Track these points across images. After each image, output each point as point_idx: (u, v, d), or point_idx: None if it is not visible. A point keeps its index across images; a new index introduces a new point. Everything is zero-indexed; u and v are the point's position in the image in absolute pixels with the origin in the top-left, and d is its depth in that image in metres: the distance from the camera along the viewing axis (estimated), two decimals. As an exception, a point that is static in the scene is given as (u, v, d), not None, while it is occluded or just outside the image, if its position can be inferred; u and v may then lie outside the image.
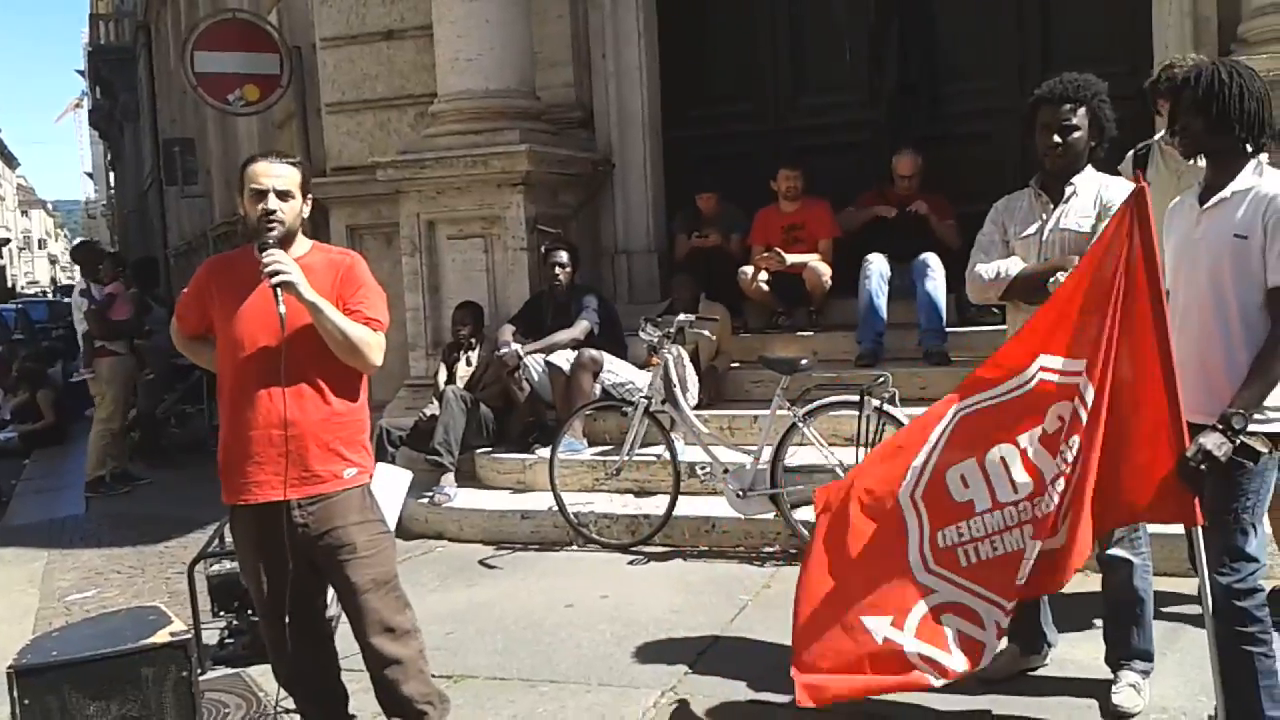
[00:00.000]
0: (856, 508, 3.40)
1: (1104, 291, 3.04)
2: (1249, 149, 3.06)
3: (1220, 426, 2.90)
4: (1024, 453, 3.17)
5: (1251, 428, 2.94)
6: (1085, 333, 3.09)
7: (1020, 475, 3.16)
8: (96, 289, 9.35)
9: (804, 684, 3.35)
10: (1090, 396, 3.02)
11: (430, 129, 7.78)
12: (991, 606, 3.16)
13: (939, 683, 3.21)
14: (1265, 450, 3.01)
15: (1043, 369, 3.17)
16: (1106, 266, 3.05)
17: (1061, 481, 3.06)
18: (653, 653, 4.43)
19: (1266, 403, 2.97)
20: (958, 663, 3.17)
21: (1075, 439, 3.04)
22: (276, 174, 3.22)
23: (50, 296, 42.35)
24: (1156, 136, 4.74)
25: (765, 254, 7.32)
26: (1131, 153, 3.53)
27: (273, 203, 3.19)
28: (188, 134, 17.35)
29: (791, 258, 7.25)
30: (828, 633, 3.33)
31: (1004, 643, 3.16)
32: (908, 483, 3.32)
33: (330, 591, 3.54)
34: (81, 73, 40.58)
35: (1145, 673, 3.65)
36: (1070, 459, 3.05)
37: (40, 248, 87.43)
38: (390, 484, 5.25)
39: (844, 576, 3.35)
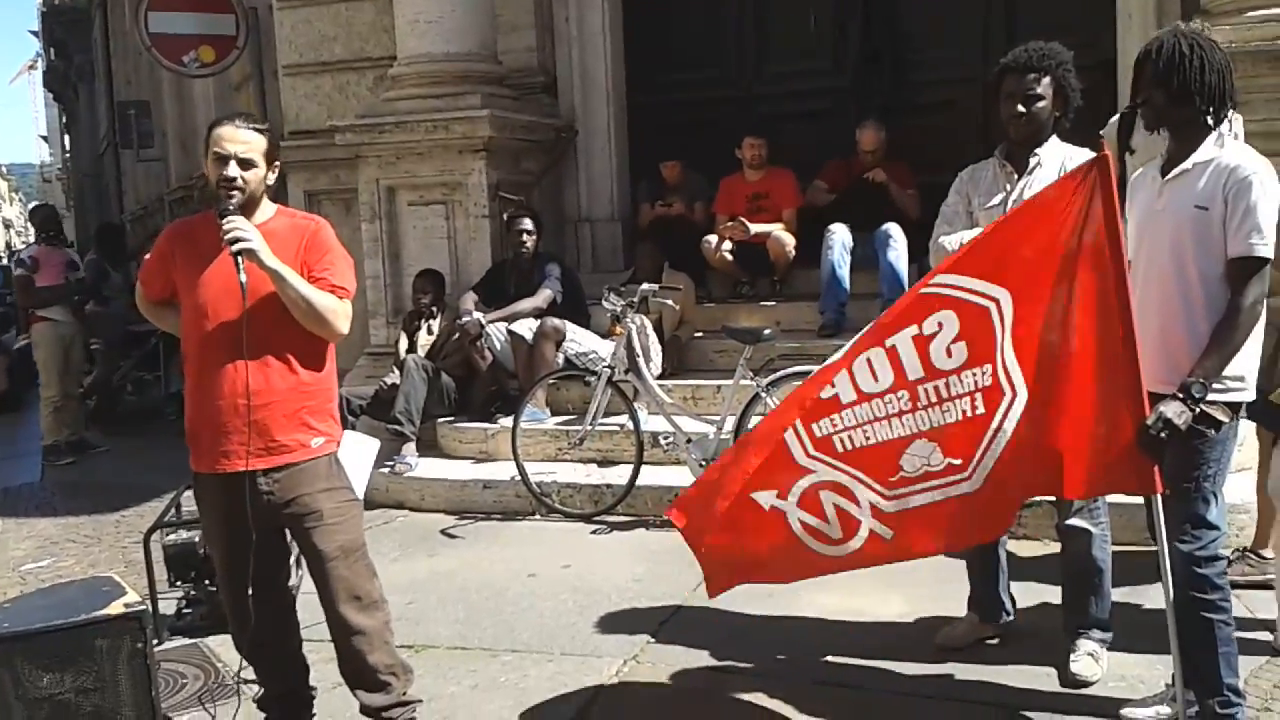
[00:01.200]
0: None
1: (1051, 246, 3.02)
2: (1210, 121, 3.07)
3: (1180, 395, 2.92)
4: (891, 350, 3.18)
5: (1212, 397, 2.96)
6: (1014, 267, 3.07)
7: (883, 368, 3.18)
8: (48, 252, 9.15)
9: (708, 579, 3.49)
10: (1007, 325, 3.04)
11: (390, 92, 7.68)
12: (866, 489, 3.23)
13: (816, 548, 3.29)
14: (1226, 419, 3.03)
15: (936, 285, 3.17)
16: (1054, 223, 3.03)
17: (966, 405, 3.09)
18: (615, 622, 4.43)
19: (1227, 372, 2.99)
20: (834, 531, 3.27)
21: (962, 351, 3.07)
22: (241, 140, 3.15)
23: (4, 262, 41.65)
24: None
25: (729, 223, 7.30)
26: (1116, 117, 3.50)
27: (233, 170, 3.12)
28: (143, 96, 17.01)
29: (755, 227, 7.24)
30: (719, 505, 3.40)
31: (881, 528, 3.22)
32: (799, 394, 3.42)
33: (292, 560, 3.51)
34: (35, 34, 39.69)
35: (1103, 641, 3.69)
36: (975, 384, 3.08)
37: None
38: (358, 452, 5.18)
39: (734, 463, 3.43)
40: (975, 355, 3.08)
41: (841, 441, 3.23)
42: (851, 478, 3.24)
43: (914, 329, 3.15)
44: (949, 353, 3.10)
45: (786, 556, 3.38)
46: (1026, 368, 3.05)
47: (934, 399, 3.13)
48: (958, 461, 3.13)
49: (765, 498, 3.33)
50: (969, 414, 3.10)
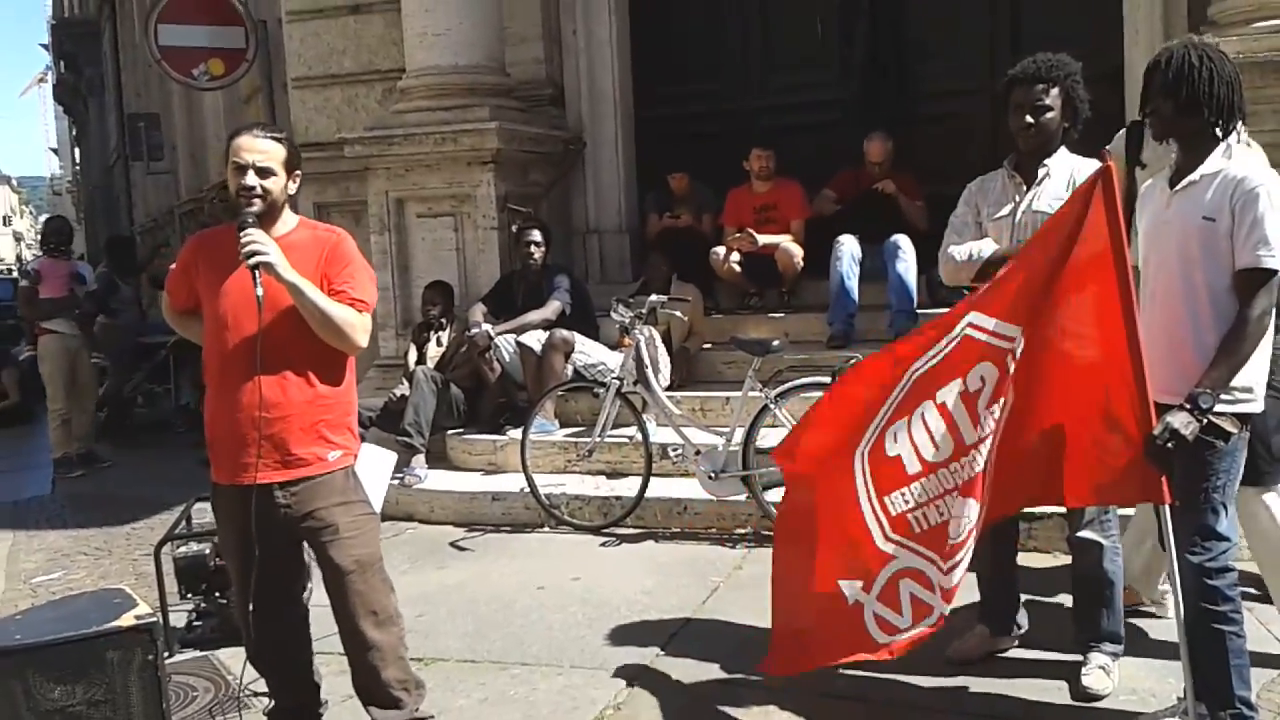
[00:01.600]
0: (818, 469, 3.45)
1: (1058, 264, 3.03)
2: (1218, 133, 3.07)
3: (1187, 406, 2.91)
4: (942, 407, 3.17)
5: (1221, 408, 2.96)
6: (1025, 300, 3.08)
7: (939, 431, 3.17)
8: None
9: (772, 655, 3.47)
10: (1019, 353, 3.05)
11: (399, 105, 7.70)
12: (935, 569, 3.19)
13: (884, 640, 3.24)
14: (1235, 430, 3.03)
15: (970, 325, 3.17)
16: (1065, 240, 3.04)
17: (985, 446, 3.09)
18: (625, 634, 4.42)
19: (1235, 383, 2.99)
20: (905, 621, 3.22)
21: (997, 406, 3.07)
22: (259, 149, 3.16)
23: (15, 274, 41.80)
24: None
25: (737, 235, 7.30)
26: (1124, 130, 3.51)
27: (251, 179, 3.13)
28: (153, 109, 17.09)
29: (763, 238, 7.24)
30: (806, 595, 3.38)
31: (949, 607, 3.18)
32: (863, 442, 3.35)
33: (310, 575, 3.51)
34: (45, 46, 39.91)
35: (1115, 655, 3.67)
36: (991, 426, 3.08)
37: (4, 225, 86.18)
38: (375, 465, 5.20)
39: (816, 544, 3.38)
40: (1006, 401, 3.09)
41: (917, 521, 3.19)
42: (927, 561, 3.19)
43: (960, 384, 3.14)
44: (991, 408, 3.10)
45: (846, 647, 3.33)
46: (1019, 375, 3.05)
47: (983, 465, 3.11)
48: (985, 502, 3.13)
49: (850, 590, 3.28)
50: (987, 459, 3.10)
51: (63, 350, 8.91)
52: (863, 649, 3.31)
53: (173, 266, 3.41)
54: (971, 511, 3.11)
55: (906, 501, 3.21)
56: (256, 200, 3.13)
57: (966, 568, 3.17)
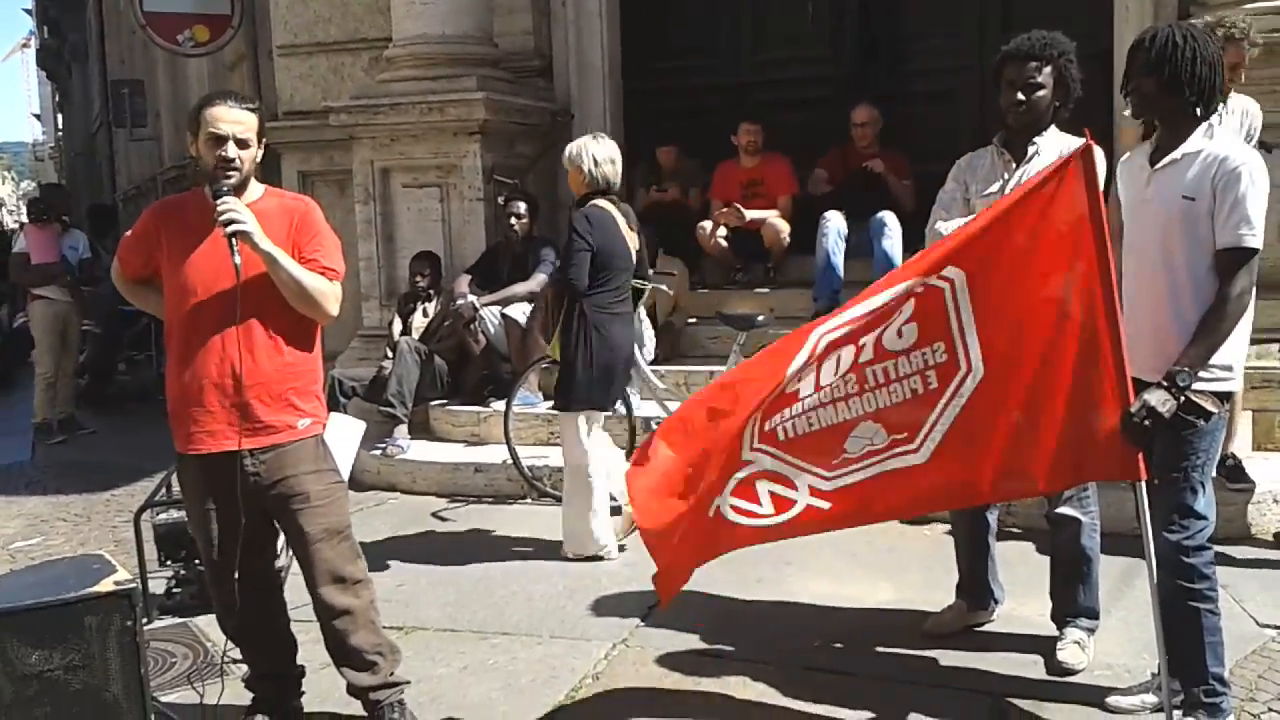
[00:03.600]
0: (703, 414, 3.41)
1: (1029, 231, 3.00)
2: (1199, 112, 3.07)
3: (1165, 383, 2.93)
4: (851, 335, 3.16)
5: (1202, 386, 2.97)
6: (975, 249, 3.05)
7: (845, 357, 3.17)
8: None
9: (658, 585, 3.41)
10: (964, 303, 3.02)
11: (385, 74, 7.65)
12: (804, 473, 3.21)
13: (745, 522, 3.25)
14: (1215, 409, 3.04)
15: (917, 283, 3.13)
16: (1039, 210, 2.99)
17: (917, 382, 3.07)
18: (605, 605, 4.44)
19: (1214, 361, 3.01)
20: (766, 510, 3.24)
21: (941, 348, 3.05)
22: (236, 119, 3.13)
23: (-5, 240, 41.39)
24: None
25: (724, 209, 7.29)
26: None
27: (231, 150, 3.10)
28: (137, 75, 16.93)
29: (750, 213, 7.23)
30: (669, 517, 3.35)
31: (817, 502, 3.20)
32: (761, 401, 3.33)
33: (280, 541, 3.50)
34: (29, 11, 39.47)
35: (1090, 630, 3.71)
36: (926, 362, 3.06)
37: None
38: (344, 434, 5.18)
39: (674, 468, 3.37)
40: (926, 334, 3.07)
41: (785, 430, 3.21)
42: (792, 466, 3.21)
43: (868, 304, 3.13)
44: (900, 334, 3.09)
45: (713, 537, 3.33)
46: (987, 345, 3.03)
47: (881, 380, 3.11)
48: (902, 435, 3.12)
49: (704, 490, 3.27)
50: (919, 391, 3.09)
51: (52, 315, 8.94)
52: (731, 539, 3.32)
53: (127, 234, 3.37)
54: (878, 436, 3.11)
55: (782, 416, 3.22)
56: (234, 173, 3.11)
57: (867, 485, 3.16)
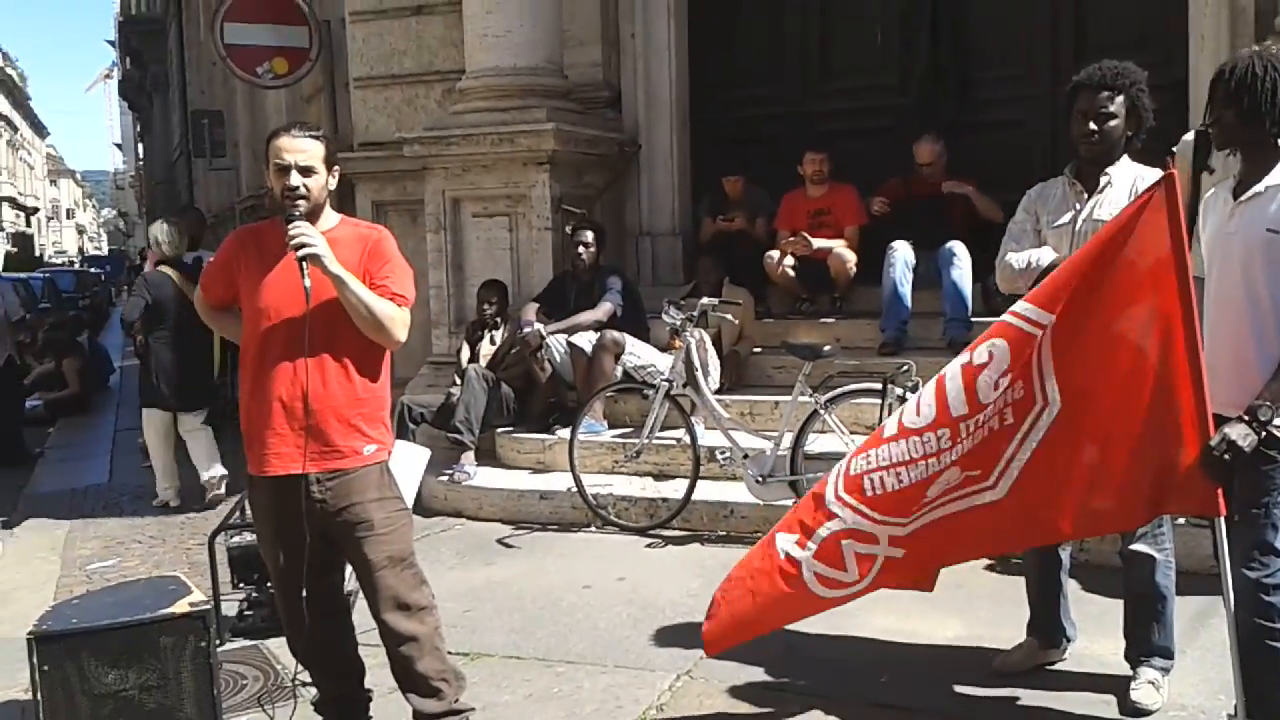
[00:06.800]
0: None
1: (1110, 267, 2.98)
2: None
3: (1246, 418, 2.87)
4: (939, 380, 3.14)
5: (1282, 423, 2.91)
6: (1066, 293, 3.02)
7: (927, 401, 3.14)
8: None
9: (704, 631, 3.42)
10: (1047, 343, 2.99)
11: (457, 105, 7.77)
12: (887, 528, 3.17)
13: (826, 594, 3.25)
14: (1296, 446, 2.97)
15: (1010, 312, 3.13)
16: (1121, 245, 2.98)
17: (995, 420, 3.03)
18: (669, 636, 4.43)
19: (1299, 397, 2.93)
20: (852, 577, 3.22)
21: (1020, 385, 3.01)
22: (300, 148, 3.20)
23: (77, 266, 42.58)
24: None
25: (791, 239, 7.28)
26: (1190, 134, 3.42)
27: (295, 179, 3.17)
28: (217, 106, 17.37)
29: (817, 243, 7.21)
30: (745, 565, 3.41)
31: (894, 551, 3.17)
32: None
33: (348, 566, 3.55)
34: (112, 43, 40.74)
35: (1165, 670, 3.62)
36: (1005, 401, 3.02)
37: (68, 217, 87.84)
38: (409, 461, 5.25)
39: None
40: (1014, 380, 3.04)
41: (872, 483, 3.17)
42: (876, 524, 3.17)
43: (965, 357, 3.11)
44: (996, 385, 3.04)
45: (790, 605, 3.33)
46: (1064, 379, 2.99)
47: (972, 431, 3.07)
48: (976, 472, 3.08)
49: (784, 542, 3.29)
50: (995, 427, 3.05)
51: None
52: (807, 607, 3.32)
53: (210, 261, 3.45)
54: (954, 476, 3.08)
55: (869, 462, 3.19)
56: (301, 201, 3.18)
57: (941, 525, 3.14)
